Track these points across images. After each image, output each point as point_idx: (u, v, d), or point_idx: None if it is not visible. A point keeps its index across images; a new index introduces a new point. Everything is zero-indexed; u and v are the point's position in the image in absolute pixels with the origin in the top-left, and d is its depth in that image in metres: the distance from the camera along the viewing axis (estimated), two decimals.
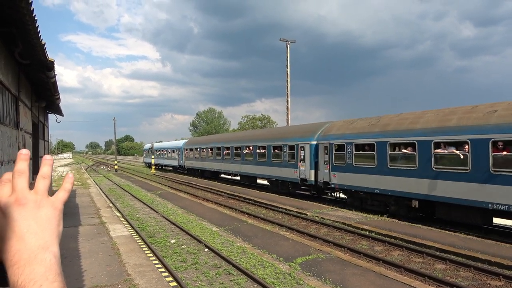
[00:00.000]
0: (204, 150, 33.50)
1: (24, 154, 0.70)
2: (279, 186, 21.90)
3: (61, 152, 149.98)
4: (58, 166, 62.39)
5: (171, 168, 47.84)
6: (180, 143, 43.15)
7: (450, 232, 11.53)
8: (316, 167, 18.41)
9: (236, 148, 26.96)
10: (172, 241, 11.33)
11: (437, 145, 12.48)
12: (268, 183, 24.52)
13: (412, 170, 13.27)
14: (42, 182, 0.71)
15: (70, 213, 15.51)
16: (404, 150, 13.70)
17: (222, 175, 33.15)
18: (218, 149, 30.26)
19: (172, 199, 20.80)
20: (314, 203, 17.89)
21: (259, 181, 27.72)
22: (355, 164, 15.73)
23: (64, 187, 0.76)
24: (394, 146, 14.19)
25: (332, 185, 17.14)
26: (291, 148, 20.29)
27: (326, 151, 17.50)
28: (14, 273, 0.62)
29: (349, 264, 8.97)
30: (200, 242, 11.04)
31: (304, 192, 20.19)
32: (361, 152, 15.70)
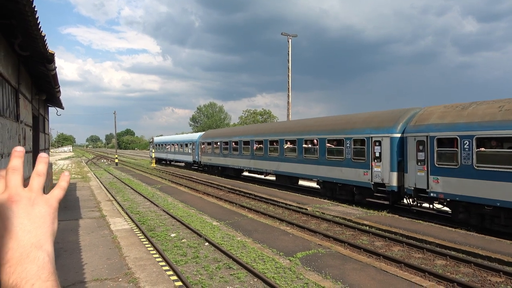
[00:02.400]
0: (227, 144, 28.56)
1: (19, 151, 0.69)
2: (336, 191, 17.40)
3: (62, 146, 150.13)
4: (59, 160, 62.45)
5: (183, 164, 43.18)
6: (195, 136, 38.39)
7: (450, 228, 11.53)
8: (400, 168, 14.16)
9: (272, 142, 22.52)
10: (173, 235, 11.33)
11: None
12: (317, 186, 19.97)
13: None
14: (36, 180, 0.70)
15: (71, 206, 15.52)
16: None
17: (245, 174, 29.12)
18: (246, 143, 25.72)
19: (172, 193, 20.81)
20: (315, 198, 17.89)
21: (303, 182, 23.95)
22: (478, 167, 11.29)
23: (59, 185, 0.75)
24: None
25: (431, 194, 12.65)
26: (358, 142, 15.97)
27: (420, 147, 13.13)
28: (6, 271, 0.60)
29: (349, 259, 8.97)
30: (200, 236, 11.05)
31: (378, 201, 14.92)
32: (491, 150, 11.36)
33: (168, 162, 48.74)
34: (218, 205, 17.17)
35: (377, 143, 14.95)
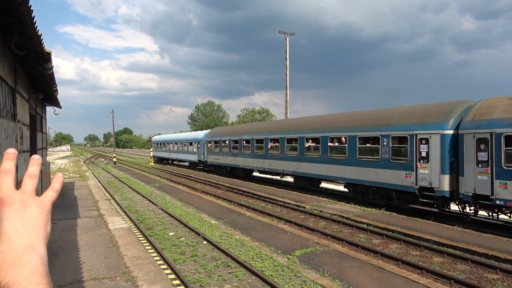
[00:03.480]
0: (236, 142, 26.49)
1: (11, 153, 0.68)
2: (368, 195, 15.45)
3: (60, 145, 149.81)
4: (57, 159, 62.32)
5: (187, 164, 41.19)
6: (200, 134, 36.56)
7: (447, 226, 11.57)
8: (452, 170, 12.25)
9: (290, 141, 20.35)
10: (171, 234, 11.34)
11: None
12: (344, 189, 18.08)
13: None
14: (29, 182, 0.69)
15: (69, 205, 15.51)
16: None
17: (256, 174, 27.46)
18: (259, 141, 23.58)
19: (170, 192, 20.81)
20: (313, 196, 17.92)
21: (326, 185, 21.67)
22: None
23: (52, 186, 0.74)
24: None
25: (497, 202, 10.85)
26: (397, 140, 14.21)
27: (481, 146, 11.33)
28: None
29: (347, 257, 9.00)
30: (198, 234, 11.06)
31: (424, 208, 13.14)
32: None
33: (170, 161, 47.63)
34: (217, 203, 17.18)
35: (423, 141, 12.97)
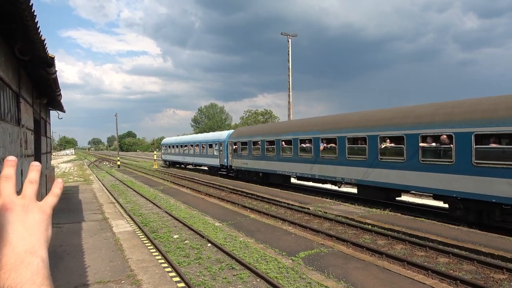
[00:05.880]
0: (272, 143, 22.44)
1: (11, 161, 0.71)
2: (491, 215, 11.28)
3: (64, 149, 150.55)
4: (61, 163, 62.61)
5: (206, 169, 36.92)
6: (223, 134, 31.95)
7: (453, 226, 11.50)
8: None
9: (355, 141, 16.25)
10: (175, 236, 11.35)
11: None
12: (439, 203, 14.12)
13: None
14: (30, 187, 0.72)
15: (73, 209, 15.56)
16: None
17: (294, 181, 23.59)
18: (305, 141, 19.37)
19: (174, 195, 20.84)
20: (317, 197, 17.88)
21: (408, 198, 17.26)
22: None
23: (53, 191, 0.77)
24: None
25: None
26: None
27: None
28: (0, 278, 0.62)
29: (352, 258, 8.97)
30: (203, 237, 11.06)
31: None
32: None
33: (184, 166, 43.58)
34: (221, 206, 17.18)
35: None
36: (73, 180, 29.48)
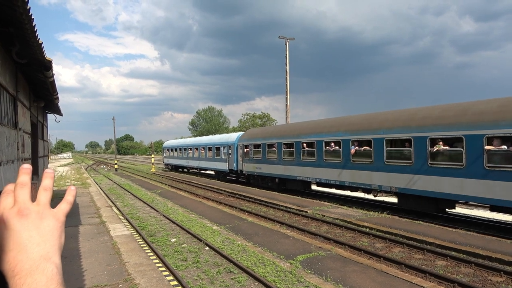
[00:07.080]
0: (291, 146, 20.39)
1: (26, 168, 0.73)
2: None
3: (61, 152, 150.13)
4: (58, 166, 62.39)
5: (213, 173, 34.34)
6: (232, 136, 29.48)
7: (450, 229, 11.52)
8: None
9: (395, 143, 14.33)
10: (173, 240, 11.31)
11: None
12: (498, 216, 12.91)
13: None
14: (44, 194, 0.73)
15: (70, 212, 15.29)
16: None
17: (315, 188, 21.30)
18: (332, 144, 17.33)
19: (172, 198, 20.79)
20: (315, 200, 17.87)
21: (463, 210, 15.64)
22: None
23: (66, 199, 0.78)
24: None
25: None
26: None
27: None
28: (15, 283, 0.63)
29: (350, 261, 8.96)
30: (200, 240, 11.03)
31: None
32: None
33: (187, 170, 41.55)
34: (218, 209, 17.15)
35: None
36: (70, 183, 29.38)
